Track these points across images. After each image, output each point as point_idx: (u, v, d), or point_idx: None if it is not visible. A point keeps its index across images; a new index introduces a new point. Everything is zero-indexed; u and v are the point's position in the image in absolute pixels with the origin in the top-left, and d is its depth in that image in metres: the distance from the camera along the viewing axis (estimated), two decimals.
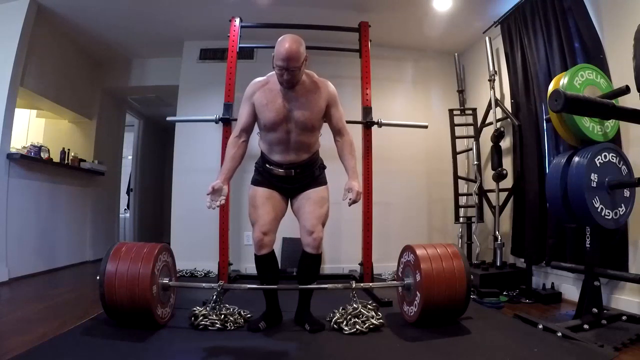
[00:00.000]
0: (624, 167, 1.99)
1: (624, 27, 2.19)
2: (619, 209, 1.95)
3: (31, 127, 4.06)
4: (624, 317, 2.03)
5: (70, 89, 3.91)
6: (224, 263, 2.77)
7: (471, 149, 3.54)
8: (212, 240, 2.97)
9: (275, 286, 1.99)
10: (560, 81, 2.03)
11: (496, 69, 3.37)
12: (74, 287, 2.95)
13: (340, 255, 3.66)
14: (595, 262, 2.02)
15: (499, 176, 3.13)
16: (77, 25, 3.62)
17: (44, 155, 3.42)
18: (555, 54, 2.66)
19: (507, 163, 3.25)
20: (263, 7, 3.33)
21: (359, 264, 3.06)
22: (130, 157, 5.85)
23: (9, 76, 3.00)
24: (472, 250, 3.38)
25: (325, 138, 2.07)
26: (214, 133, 3.41)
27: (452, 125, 3.63)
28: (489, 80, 3.34)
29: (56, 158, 3.64)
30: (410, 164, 3.97)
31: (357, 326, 1.88)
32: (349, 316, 1.93)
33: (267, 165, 1.99)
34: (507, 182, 3.18)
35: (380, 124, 2.91)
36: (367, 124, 2.91)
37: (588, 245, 2.04)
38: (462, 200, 3.67)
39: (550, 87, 2.07)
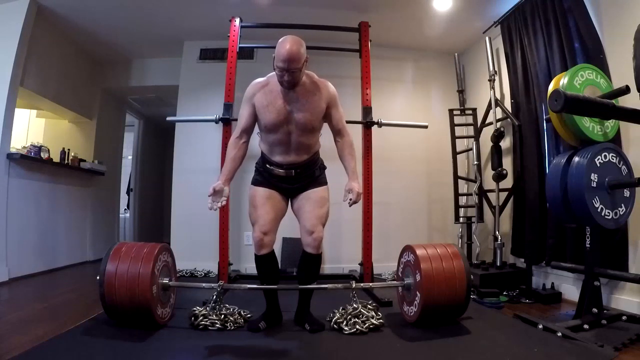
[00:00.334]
0: (624, 167, 1.99)
1: (624, 27, 2.19)
2: (619, 209, 1.95)
3: (31, 127, 4.06)
4: (624, 317, 2.03)
5: (70, 89, 3.91)
6: (224, 263, 2.77)
7: (471, 149, 3.54)
8: (212, 240, 2.97)
9: (275, 286, 1.99)
10: (560, 81, 2.03)
11: (496, 69, 3.37)
12: (74, 287, 2.95)
13: (340, 255, 3.66)
14: (595, 262, 2.02)
15: (499, 176, 3.13)
16: (77, 25, 3.62)
17: (44, 155, 3.42)
18: (555, 54, 2.66)
19: (507, 163, 3.25)
20: (263, 7, 3.33)
21: (359, 264, 3.06)
22: (130, 157, 5.84)
23: (9, 76, 3.00)
24: (472, 250, 3.38)
25: (325, 138, 2.07)
26: (214, 133, 3.41)
27: (452, 125, 3.63)
28: (489, 80, 3.34)
29: (56, 158, 3.64)
30: (410, 164, 3.97)
31: (357, 326, 1.88)
32: (349, 316, 1.93)
33: (268, 166, 1.99)
34: (507, 182, 3.18)
35: (380, 124, 2.91)
36: (367, 124, 2.91)
37: (588, 245, 2.05)
38: (462, 200, 3.67)
39: (550, 87, 2.07)
